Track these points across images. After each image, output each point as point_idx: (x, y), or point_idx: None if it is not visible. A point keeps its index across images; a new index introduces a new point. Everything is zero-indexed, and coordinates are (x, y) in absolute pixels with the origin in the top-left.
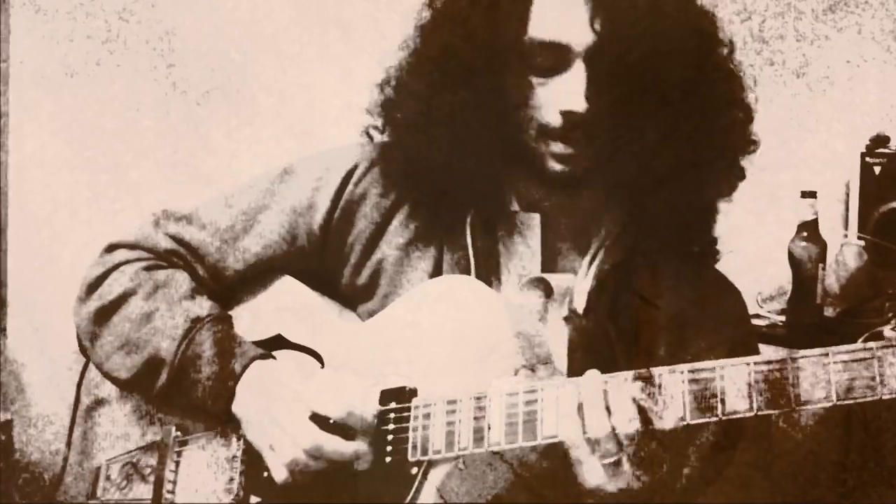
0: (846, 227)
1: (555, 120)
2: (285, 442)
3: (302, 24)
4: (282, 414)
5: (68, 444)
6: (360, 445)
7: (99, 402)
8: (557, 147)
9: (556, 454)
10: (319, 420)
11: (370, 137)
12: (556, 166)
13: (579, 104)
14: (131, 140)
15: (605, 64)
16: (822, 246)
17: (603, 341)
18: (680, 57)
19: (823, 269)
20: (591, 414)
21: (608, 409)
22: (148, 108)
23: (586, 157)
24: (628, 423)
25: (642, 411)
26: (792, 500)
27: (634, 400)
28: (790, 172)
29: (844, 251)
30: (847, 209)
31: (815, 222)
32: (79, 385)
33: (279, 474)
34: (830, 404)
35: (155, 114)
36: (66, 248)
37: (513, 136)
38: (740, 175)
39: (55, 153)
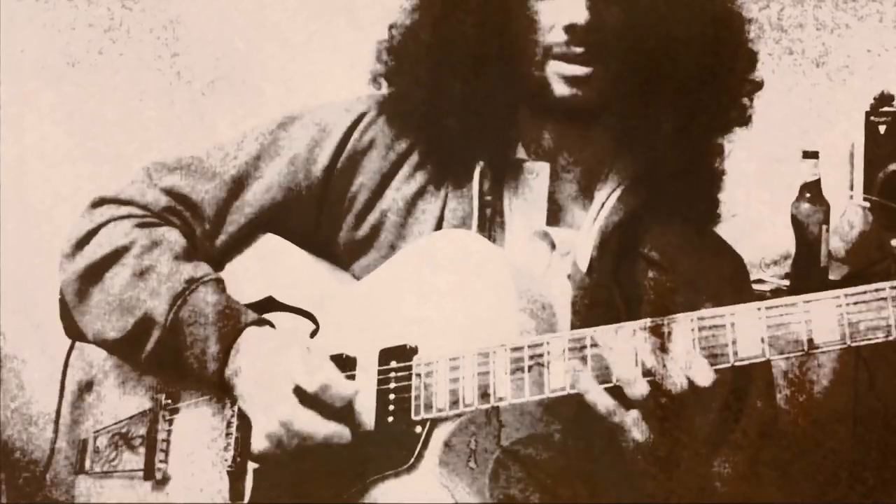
0: (851, 188)
1: (559, 38)
2: (266, 410)
3: (309, 11)
4: (266, 383)
5: (55, 428)
6: (336, 428)
7: (88, 386)
8: (563, 68)
9: (571, 451)
10: (301, 393)
11: (378, 85)
12: (565, 90)
13: (580, 15)
14: (134, 131)
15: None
16: (826, 207)
17: (606, 299)
18: (697, 44)
19: (827, 231)
20: (617, 360)
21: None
22: (151, 99)
23: (595, 78)
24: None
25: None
26: (811, 501)
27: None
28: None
29: (849, 213)
30: (852, 170)
31: (817, 183)
32: (65, 367)
33: (257, 444)
34: (844, 346)
35: (158, 104)
36: (66, 242)
37: (519, 67)
38: (741, 118)
39: (56, 144)
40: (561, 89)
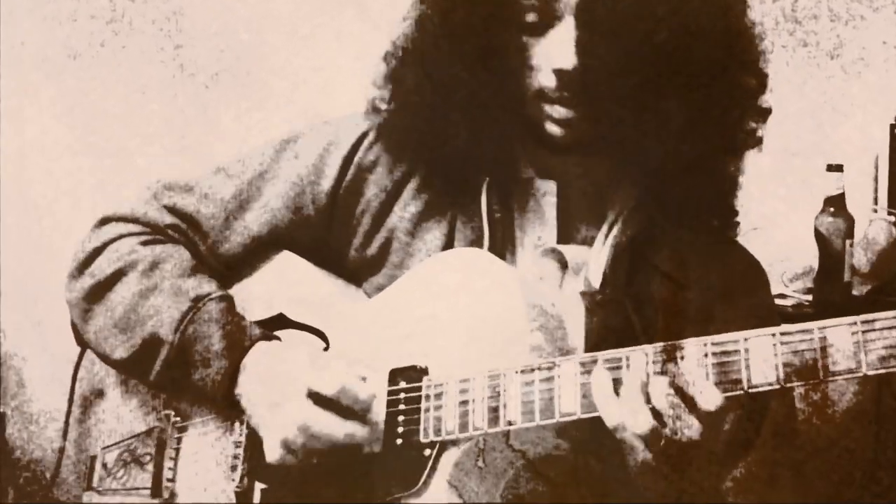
0: (875, 201)
1: (549, 81)
2: (279, 419)
3: (315, 2)
4: (278, 390)
5: (64, 435)
6: (355, 427)
7: (98, 394)
8: (554, 110)
9: (580, 450)
10: (316, 397)
11: (377, 110)
12: (556, 130)
13: (568, 61)
14: (137, 125)
15: (602, 23)
16: (850, 221)
17: (620, 315)
18: (708, 38)
19: (851, 245)
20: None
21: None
22: (154, 92)
23: (585, 120)
24: (661, 399)
25: (676, 389)
26: (825, 501)
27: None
28: (824, 157)
29: (873, 227)
30: (876, 183)
31: (841, 197)
32: (74, 374)
33: (271, 454)
34: (861, 375)
35: (161, 97)
36: (68, 238)
37: (515, 102)
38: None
39: (57, 138)
40: (552, 129)
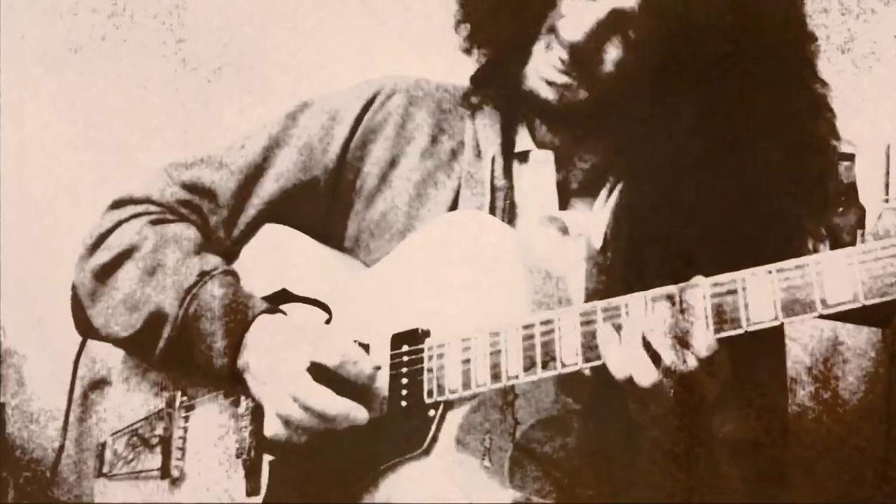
0: (887, 191)
1: (560, 43)
2: (278, 392)
3: None
4: (279, 364)
5: (63, 433)
6: (351, 405)
7: (100, 386)
8: (548, 72)
9: (587, 451)
10: (316, 371)
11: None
12: (548, 96)
13: (580, 33)
14: (138, 119)
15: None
16: (862, 212)
17: (621, 279)
18: (718, 31)
19: (863, 236)
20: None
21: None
22: (156, 86)
23: (580, 89)
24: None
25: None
26: (836, 500)
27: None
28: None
29: (885, 217)
30: (888, 172)
31: (852, 186)
32: (74, 370)
33: (270, 428)
34: (859, 305)
35: (163, 92)
36: (68, 235)
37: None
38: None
39: (57, 134)
40: (546, 94)
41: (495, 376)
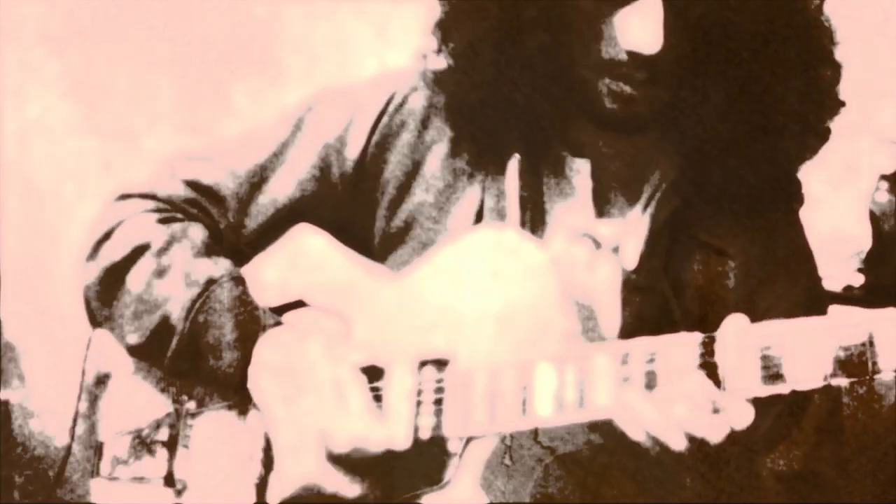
0: None
1: (620, 55)
2: (287, 469)
3: None
4: (290, 385)
5: (72, 432)
6: (361, 488)
7: (106, 383)
8: (617, 86)
9: (612, 449)
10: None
11: (425, 58)
12: (613, 106)
13: (652, 42)
14: (144, 104)
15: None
16: None
17: (657, 301)
18: (750, 11)
19: None
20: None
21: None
22: (163, 69)
23: (646, 103)
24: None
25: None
26: (871, 500)
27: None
28: (871, 138)
29: None
30: None
31: None
32: (82, 365)
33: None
34: None
35: (170, 75)
36: (72, 223)
37: (571, 68)
38: (825, 136)
39: (61, 118)
40: (610, 104)
41: (522, 414)
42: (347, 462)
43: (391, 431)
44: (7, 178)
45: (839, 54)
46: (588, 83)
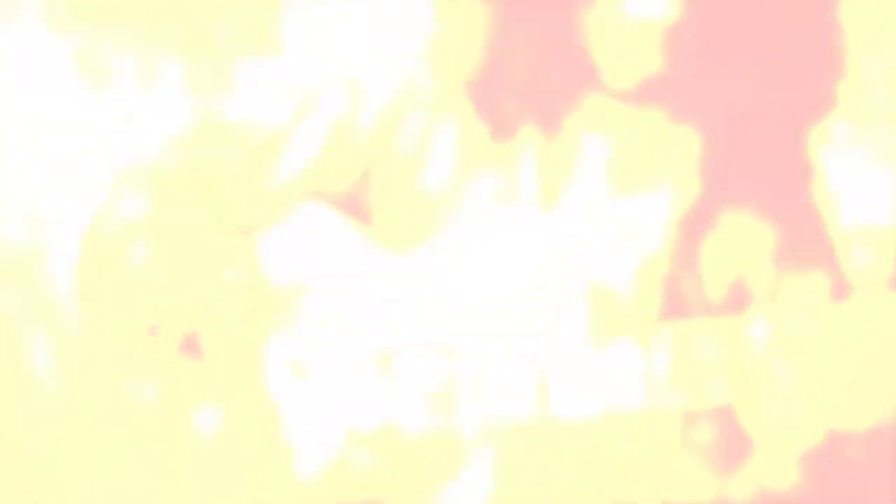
0: None
1: (633, 23)
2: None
3: None
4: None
5: None
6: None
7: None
8: (629, 57)
9: (634, 437)
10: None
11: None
12: (622, 77)
13: (664, 10)
14: (149, 87)
15: None
16: None
17: (680, 286)
18: None
19: None
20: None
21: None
22: (166, 46)
23: (658, 75)
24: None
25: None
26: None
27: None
28: None
29: None
30: None
31: None
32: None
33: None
34: None
35: (173, 52)
36: (73, 207)
37: (584, 41)
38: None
39: (63, 98)
40: (622, 72)
41: (541, 406)
42: (370, 443)
43: (403, 419)
44: (8, 168)
45: (872, 38)
46: (602, 56)
